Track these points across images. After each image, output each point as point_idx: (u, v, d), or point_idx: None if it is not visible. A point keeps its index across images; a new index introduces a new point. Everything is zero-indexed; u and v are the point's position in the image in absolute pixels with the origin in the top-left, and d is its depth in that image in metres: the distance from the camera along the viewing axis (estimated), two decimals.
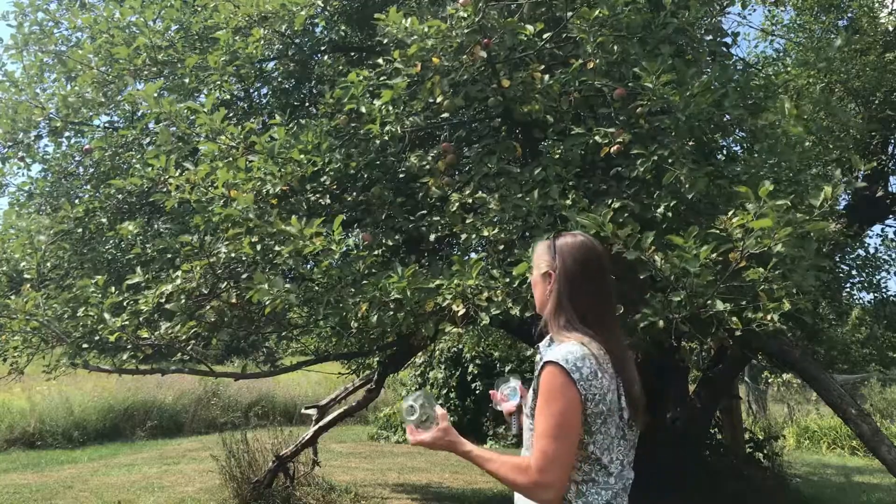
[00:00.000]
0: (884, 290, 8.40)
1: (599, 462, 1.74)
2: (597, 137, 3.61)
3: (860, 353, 10.08)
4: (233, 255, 4.01)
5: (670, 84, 3.39)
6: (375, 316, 3.58)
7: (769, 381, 14.74)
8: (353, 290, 3.65)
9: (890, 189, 8.10)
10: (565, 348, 1.76)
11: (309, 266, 3.71)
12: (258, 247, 3.78)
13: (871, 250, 8.51)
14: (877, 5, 7.70)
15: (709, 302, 2.99)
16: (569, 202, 3.36)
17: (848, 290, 8.41)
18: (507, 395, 2.27)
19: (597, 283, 1.87)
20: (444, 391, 12.49)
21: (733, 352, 6.07)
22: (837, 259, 7.86)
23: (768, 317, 2.97)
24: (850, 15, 7.99)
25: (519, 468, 1.73)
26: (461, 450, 1.86)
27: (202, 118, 3.88)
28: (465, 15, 3.56)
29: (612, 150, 3.57)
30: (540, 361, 1.79)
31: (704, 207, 3.43)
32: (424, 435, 1.88)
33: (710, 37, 4.56)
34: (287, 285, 3.50)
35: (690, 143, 3.61)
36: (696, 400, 7.19)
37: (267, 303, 3.48)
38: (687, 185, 3.29)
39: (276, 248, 3.63)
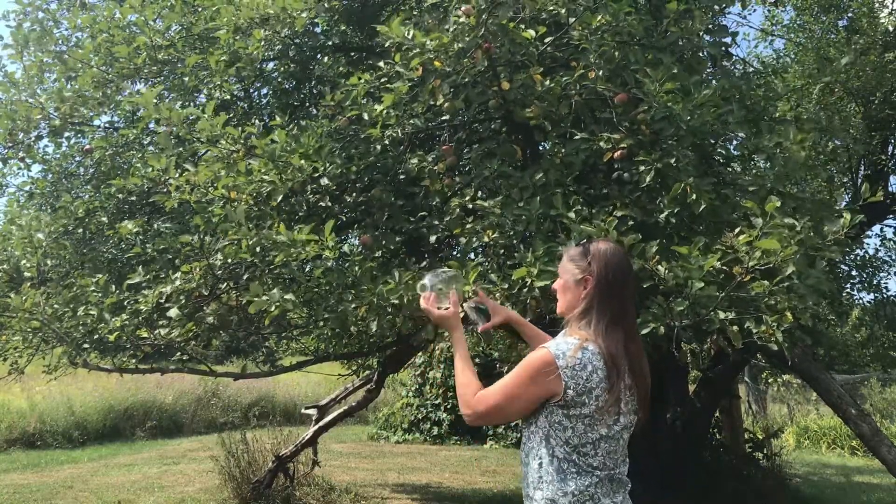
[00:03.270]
0: (884, 290, 8.41)
1: (578, 450, 1.83)
2: (601, 143, 3.61)
3: (860, 354, 10.10)
4: (229, 260, 4.01)
5: (673, 92, 3.39)
6: (374, 321, 3.58)
7: (769, 381, 14.74)
8: (352, 292, 3.65)
9: (890, 189, 8.10)
10: (562, 339, 1.90)
11: (307, 269, 3.71)
12: (257, 249, 3.78)
13: (871, 251, 8.52)
14: (877, 5, 7.70)
15: (711, 312, 3.00)
16: (572, 214, 3.34)
17: (848, 290, 8.42)
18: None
19: (626, 288, 1.96)
20: (443, 391, 12.49)
21: (733, 354, 6.07)
22: (837, 260, 7.85)
23: (770, 331, 2.97)
24: (850, 15, 8.00)
25: (469, 385, 1.95)
26: (453, 336, 2.11)
27: (203, 123, 3.87)
28: (467, 22, 3.55)
29: (614, 155, 3.57)
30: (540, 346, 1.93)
31: (708, 215, 3.43)
32: (435, 311, 2.14)
33: (710, 37, 4.56)
34: (287, 296, 3.48)
35: (691, 151, 3.60)
36: (696, 400, 7.18)
37: (265, 311, 3.47)
38: (694, 196, 3.29)
39: (274, 252, 3.62)
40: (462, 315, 2.19)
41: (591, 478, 1.82)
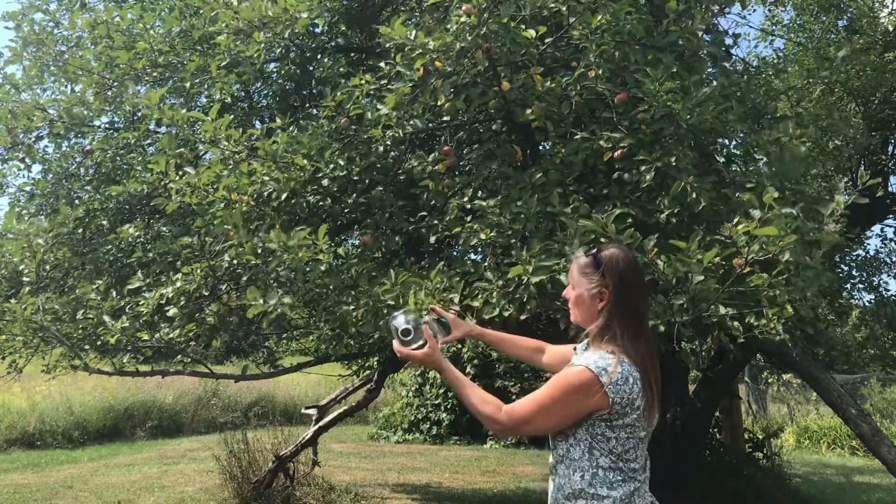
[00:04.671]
0: (884, 290, 8.42)
1: (622, 458, 1.85)
2: (601, 142, 3.61)
3: (860, 354, 10.11)
4: (234, 261, 4.01)
5: (673, 91, 3.39)
6: (371, 322, 3.58)
7: (769, 381, 14.74)
8: (351, 293, 3.65)
9: (890, 189, 8.10)
10: (597, 355, 1.88)
11: (306, 271, 3.70)
12: (259, 250, 3.79)
13: (871, 251, 8.53)
14: (877, 5, 7.70)
15: (711, 307, 3.00)
16: (568, 210, 3.35)
17: (848, 290, 8.43)
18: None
19: (641, 295, 1.97)
20: (443, 391, 12.50)
21: (733, 353, 6.08)
22: (837, 259, 7.86)
23: (771, 324, 2.98)
24: (850, 15, 7.99)
25: (487, 402, 1.89)
26: (442, 368, 2.00)
27: (206, 125, 3.87)
28: (468, 20, 3.56)
29: (615, 154, 3.58)
30: (572, 362, 1.91)
31: (707, 214, 3.43)
32: (415, 352, 2.02)
33: (710, 37, 4.56)
34: (285, 299, 3.48)
35: (691, 150, 3.61)
36: (696, 400, 7.19)
37: (263, 314, 3.47)
38: (694, 196, 3.29)
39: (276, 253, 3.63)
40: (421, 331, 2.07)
41: (634, 483, 1.85)
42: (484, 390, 1.95)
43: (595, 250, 2.00)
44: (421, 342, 2.04)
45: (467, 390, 1.94)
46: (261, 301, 3.40)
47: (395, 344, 2.07)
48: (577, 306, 2.00)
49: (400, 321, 2.07)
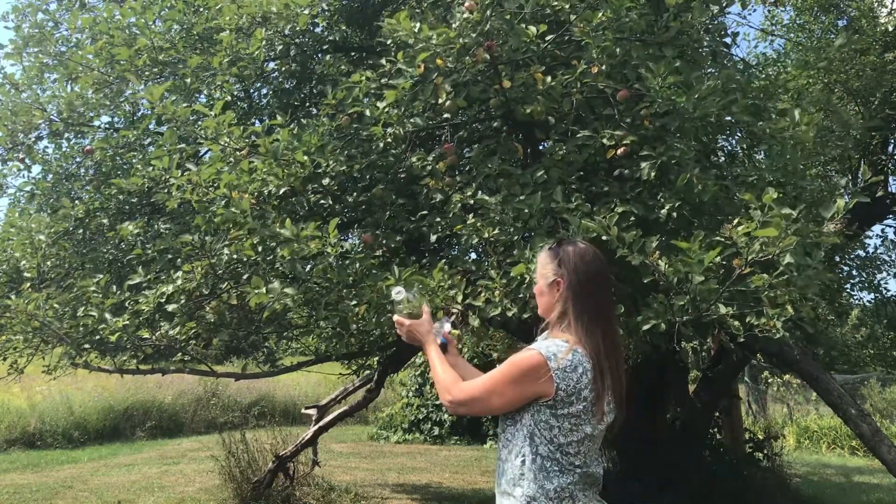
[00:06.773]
0: (883, 290, 8.41)
1: (562, 449, 1.85)
2: (604, 139, 3.62)
3: (860, 354, 10.10)
4: (234, 256, 4.02)
5: (675, 86, 3.40)
6: (374, 318, 3.59)
7: (769, 381, 14.73)
8: (353, 290, 3.65)
9: (890, 189, 8.10)
10: (551, 342, 1.92)
11: (308, 267, 3.70)
12: (259, 248, 3.79)
13: (871, 250, 8.51)
14: (877, 5, 7.70)
15: (712, 307, 3.01)
16: (572, 206, 3.35)
17: (848, 290, 8.42)
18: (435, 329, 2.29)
19: (599, 288, 1.98)
20: None
21: (734, 352, 6.08)
22: (837, 259, 7.86)
23: (771, 323, 2.98)
24: (850, 15, 7.99)
25: (448, 375, 2.02)
26: (426, 340, 2.17)
27: (209, 122, 3.87)
28: (471, 17, 3.56)
29: (618, 151, 3.58)
30: (528, 346, 1.96)
31: (709, 210, 3.43)
32: (406, 323, 2.21)
33: (710, 36, 4.55)
34: (287, 290, 3.48)
35: (694, 145, 3.61)
36: (696, 400, 7.19)
37: (267, 305, 3.48)
38: (700, 187, 3.30)
39: (277, 249, 3.63)
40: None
41: (572, 476, 1.85)
42: (451, 368, 2.05)
43: (555, 243, 2.07)
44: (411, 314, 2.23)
45: (437, 363, 2.08)
46: (263, 290, 3.40)
47: (396, 315, 2.26)
48: (539, 297, 2.05)
49: (395, 291, 2.27)
